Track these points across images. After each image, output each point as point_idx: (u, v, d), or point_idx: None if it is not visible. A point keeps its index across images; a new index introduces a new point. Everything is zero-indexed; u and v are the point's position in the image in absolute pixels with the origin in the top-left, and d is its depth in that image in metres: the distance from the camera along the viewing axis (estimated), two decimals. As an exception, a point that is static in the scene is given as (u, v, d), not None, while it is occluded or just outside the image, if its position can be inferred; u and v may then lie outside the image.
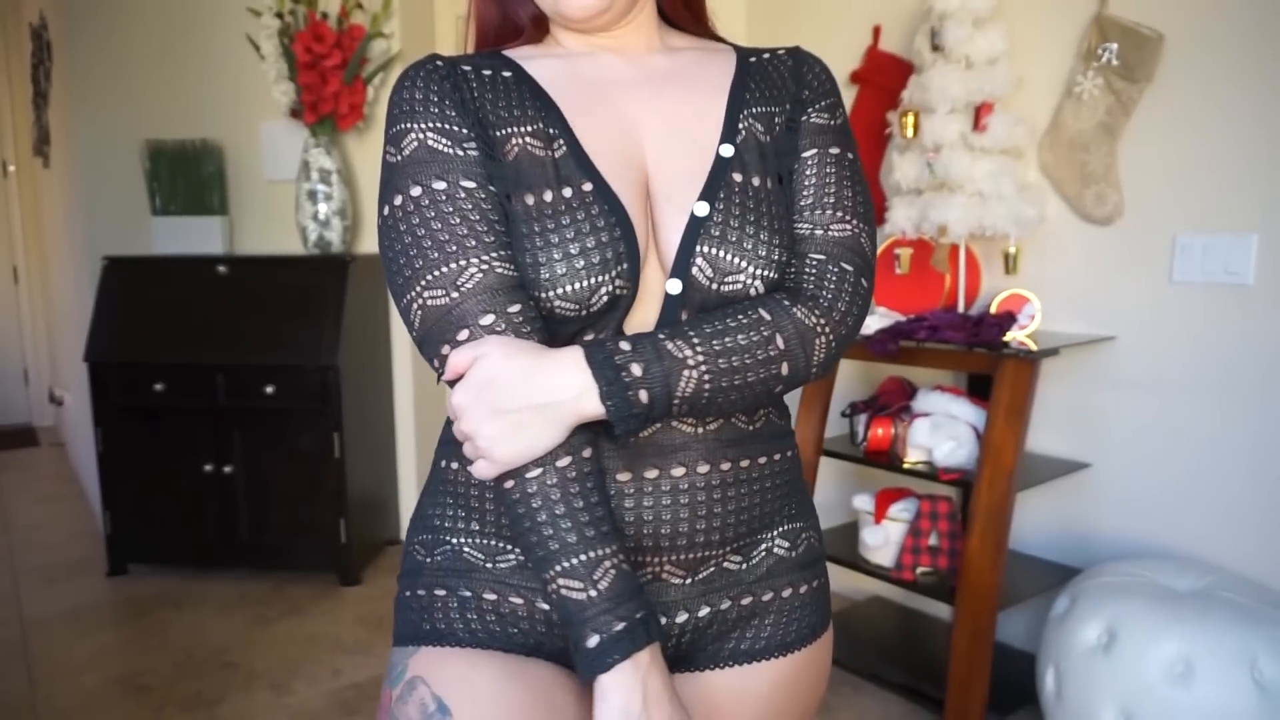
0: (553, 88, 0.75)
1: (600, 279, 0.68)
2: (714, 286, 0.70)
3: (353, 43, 2.92)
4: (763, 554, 0.77)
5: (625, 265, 0.68)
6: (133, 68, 3.16)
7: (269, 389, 2.80)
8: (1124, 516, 2.11)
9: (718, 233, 0.70)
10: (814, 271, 0.70)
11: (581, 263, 0.67)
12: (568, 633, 0.65)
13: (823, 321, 0.68)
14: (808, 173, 0.74)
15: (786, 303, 0.68)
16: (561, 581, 0.65)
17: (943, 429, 2.05)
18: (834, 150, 0.75)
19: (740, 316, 0.67)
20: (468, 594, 0.75)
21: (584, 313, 0.69)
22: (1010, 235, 2.10)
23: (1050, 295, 2.19)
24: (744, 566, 0.76)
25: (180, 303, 2.90)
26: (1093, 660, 1.71)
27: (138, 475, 2.90)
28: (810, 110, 0.76)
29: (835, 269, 0.70)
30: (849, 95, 2.61)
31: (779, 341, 0.66)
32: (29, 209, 5.15)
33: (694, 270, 0.70)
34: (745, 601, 0.76)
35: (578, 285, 0.67)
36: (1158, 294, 2.03)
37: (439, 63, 0.74)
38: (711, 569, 0.74)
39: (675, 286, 0.70)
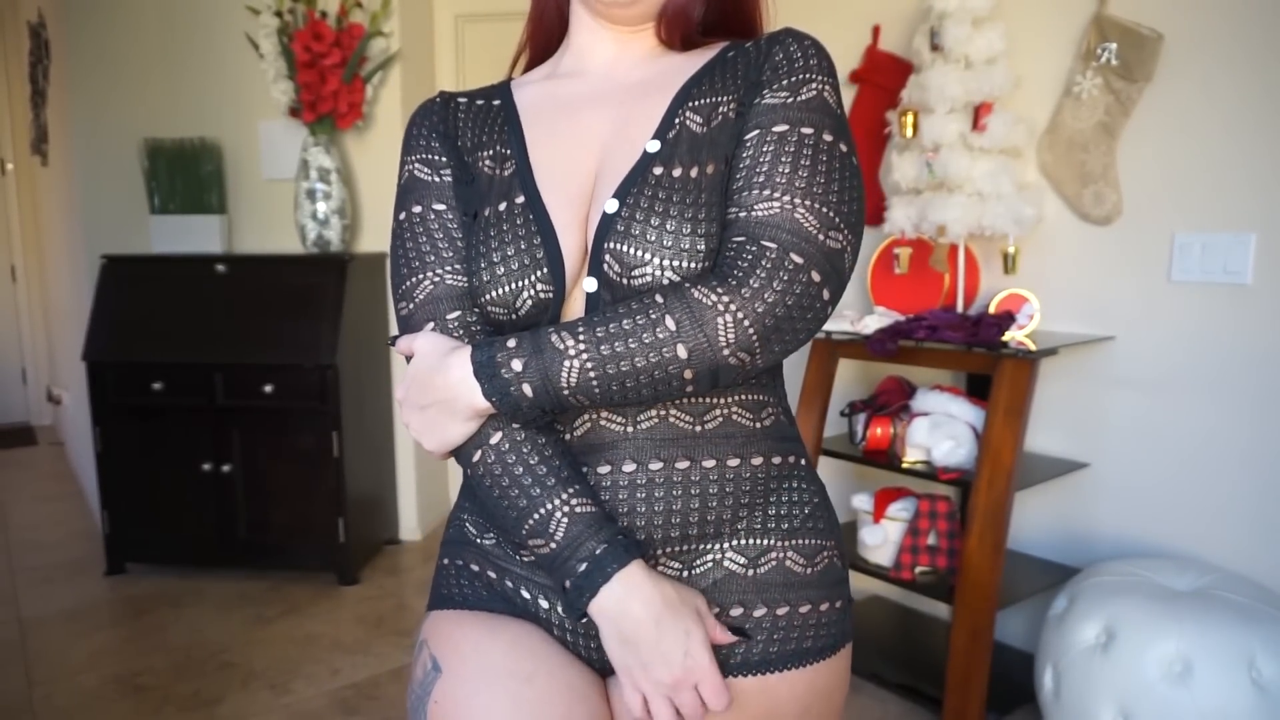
0: (528, 112, 0.82)
1: (521, 284, 0.73)
2: (624, 281, 0.70)
3: (352, 41, 2.92)
4: (709, 565, 0.73)
5: (545, 270, 0.73)
6: (131, 66, 3.16)
7: (268, 388, 2.80)
8: (1122, 516, 2.11)
9: (622, 228, 0.71)
10: (731, 253, 0.68)
11: (502, 269, 0.74)
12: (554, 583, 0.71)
13: (726, 299, 0.65)
14: (744, 155, 0.71)
15: (686, 285, 0.67)
16: (530, 543, 0.70)
17: (942, 428, 2.05)
18: (779, 128, 0.71)
19: (633, 304, 0.67)
20: (461, 563, 0.84)
21: (513, 316, 0.74)
22: (1009, 235, 2.10)
23: (1049, 295, 2.20)
24: (685, 575, 0.73)
25: (179, 302, 2.89)
26: (1091, 659, 1.71)
27: (136, 474, 2.90)
28: (766, 91, 0.73)
29: (753, 247, 0.67)
30: (848, 95, 2.60)
31: (669, 323, 0.65)
32: (27, 208, 5.14)
33: (605, 267, 0.71)
34: (735, 611, 0.73)
35: (502, 290, 0.74)
36: (1156, 293, 2.03)
37: (437, 100, 0.86)
38: (707, 564, 0.73)
39: (591, 285, 0.72)
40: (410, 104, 3.16)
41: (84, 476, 3.80)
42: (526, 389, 0.67)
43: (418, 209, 0.80)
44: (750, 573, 0.73)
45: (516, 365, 0.67)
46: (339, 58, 2.87)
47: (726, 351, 0.65)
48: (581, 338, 0.66)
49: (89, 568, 3.04)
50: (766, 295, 0.65)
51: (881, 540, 2.15)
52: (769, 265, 0.66)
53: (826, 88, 0.73)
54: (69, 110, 3.22)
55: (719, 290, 0.65)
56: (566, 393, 0.67)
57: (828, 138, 0.71)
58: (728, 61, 0.77)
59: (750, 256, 0.66)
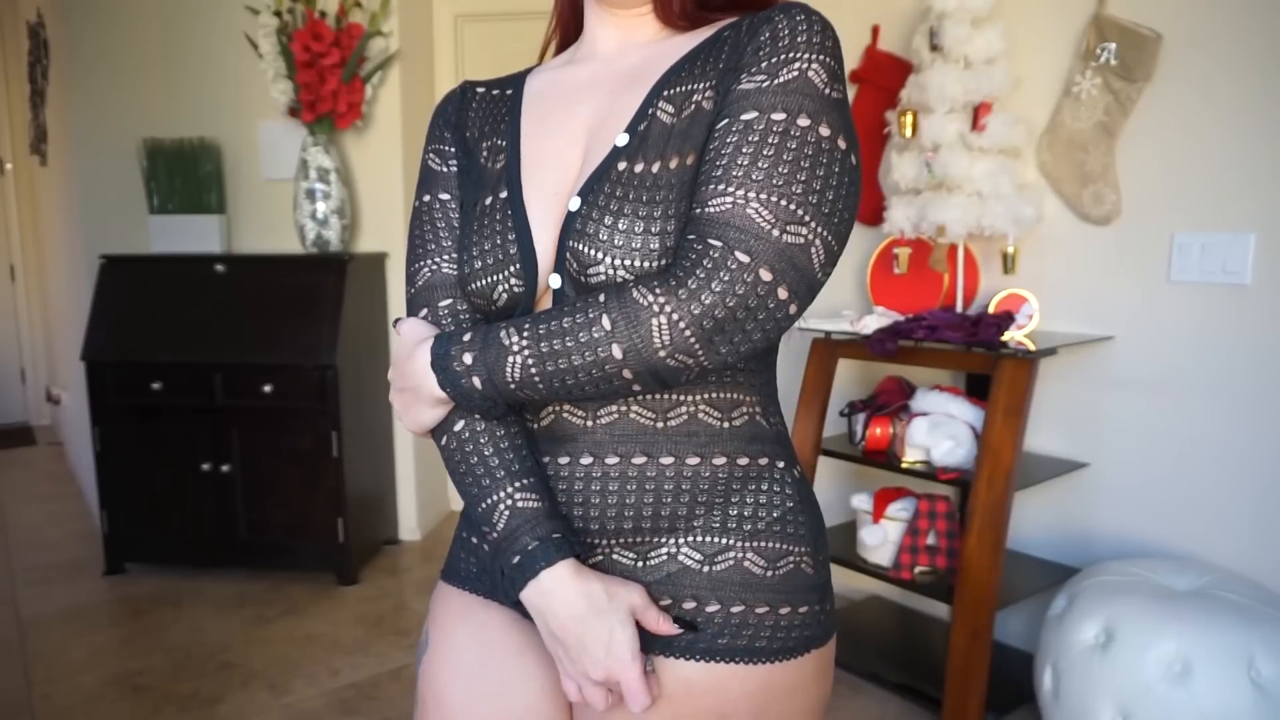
0: (530, 102, 0.82)
1: (496, 278, 0.75)
2: (582, 279, 0.70)
3: (351, 41, 2.91)
4: (664, 558, 0.73)
5: (518, 266, 0.74)
6: (130, 66, 3.16)
7: (267, 388, 2.79)
8: (1122, 516, 2.11)
9: (579, 225, 0.70)
10: (682, 252, 0.66)
11: (479, 263, 0.76)
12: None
13: (662, 300, 0.63)
14: (710, 147, 0.68)
15: (629, 285, 0.66)
16: (482, 528, 0.74)
17: (941, 428, 2.05)
18: (748, 116, 0.66)
19: (576, 302, 0.67)
20: (466, 534, 0.87)
21: (491, 308, 0.77)
22: (1008, 235, 2.10)
23: (1048, 295, 2.20)
24: (639, 565, 0.73)
25: (178, 302, 2.89)
26: (1090, 659, 1.71)
27: (135, 474, 2.90)
28: (744, 75, 0.68)
29: (699, 245, 0.64)
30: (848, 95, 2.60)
31: (604, 323, 0.64)
32: (26, 207, 5.14)
33: (566, 264, 0.71)
34: (688, 604, 0.73)
35: (481, 283, 0.76)
36: (1156, 293, 2.03)
37: (456, 91, 0.88)
38: (661, 557, 0.73)
39: (556, 281, 0.73)
40: (409, 104, 3.16)
41: (83, 476, 3.80)
42: (476, 382, 0.69)
43: (427, 198, 0.83)
44: (706, 569, 0.72)
45: (467, 359, 0.69)
46: (338, 57, 2.87)
47: (663, 353, 0.64)
48: (525, 335, 0.67)
49: (88, 567, 3.04)
50: (704, 296, 0.63)
51: (881, 540, 2.15)
52: (709, 265, 0.63)
53: (813, 66, 0.67)
54: (68, 110, 3.22)
55: (657, 291, 0.64)
56: (513, 387, 0.68)
57: (803, 122, 0.66)
58: (720, 42, 0.73)
59: (694, 255, 0.64)
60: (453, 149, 0.84)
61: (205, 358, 2.81)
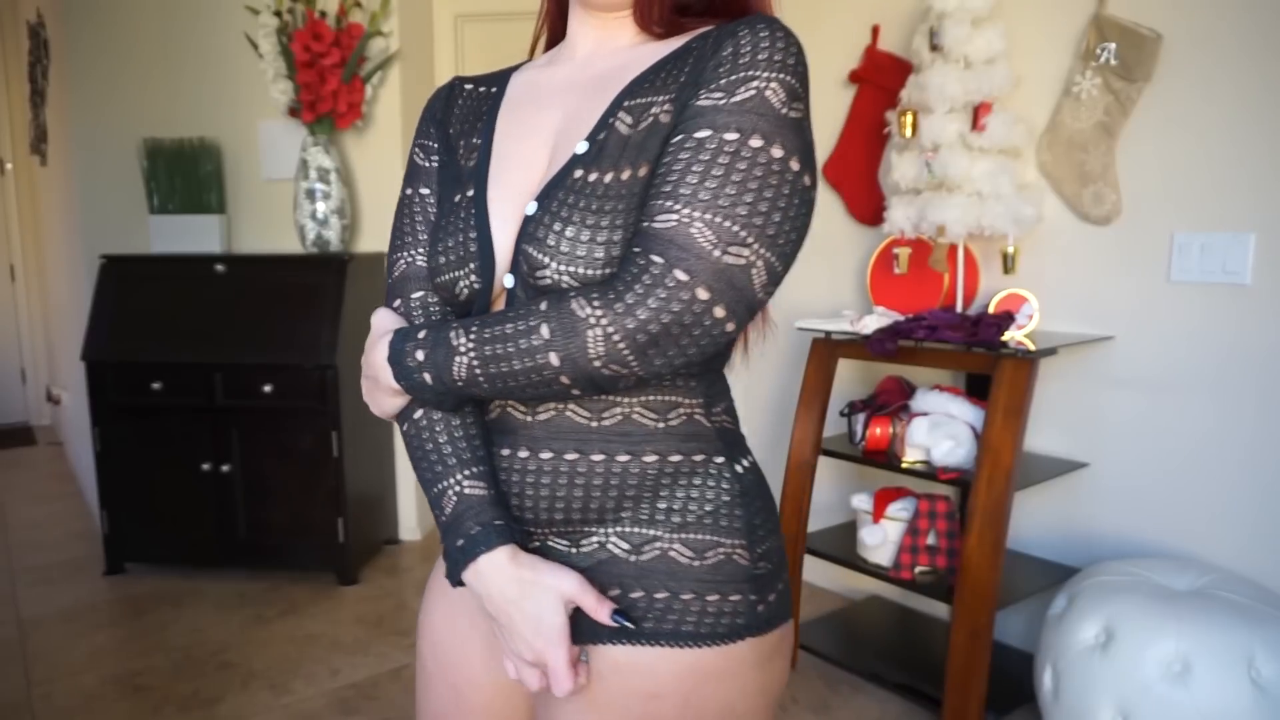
0: (509, 101, 0.85)
1: (458, 274, 0.78)
2: (532, 282, 0.73)
3: (351, 41, 2.92)
4: (594, 546, 0.77)
5: (477, 264, 0.77)
6: (130, 66, 3.16)
7: (267, 388, 2.80)
8: (1122, 516, 2.11)
9: (532, 229, 0.73)
10: (625, 264, 0.68)
11: (444, 259, 0.79)
12: None
13: (599, 313, 0.66)
14: (663, 161, 0.69)
15: (570, 294, 0.68)
16: (434, 511, 0.77)
17: (941, 428, 2.05)
18: (701, 134, 0.67)
19: (520, 308, 0.70)
20: None
21: (455, 301, 0.80)
22: (1008, 235, 2.10)
23: (1048, 295, 2.20)
24: (572, 552, 0.78)
25: (178, 302, 2.89)
26: (1090, 659, 1.71)
27: (135, 474, 2.90)
28: (702, 91, 0.69)
29: (642, 260, 0.66)
30: (848, 95, 2.61)
31: (543, 331, 0.67)
32: (26, 207, 5.14)
33: (519, 266, 0.74)
34: (614, 591, 0.76)
35: (445, 277, 0.79)
36: (1155, 293, 2.03)
37: (444, 87, 0.90)
38: (592, 546, 0.77)
39: (510, 281, 0.76)
40: (409, 104, 3.16)
41: (83, 476, 3.80)
42: (426, 377, 0.73)
43: (409, 191, 0.86)
44: (633, 558, 0.76)
45: (419, 356, 0.73)
46: (338, 57, 2.87)
47: (598, 363, 0.67)
48: (472, 336, 0.70)
49: (88, 567, 3.04)
50: (639, 311, 0.65)
51: (881, 540, 2.15)
52: (649, 280, 0.65)
53: (771, 85, 0.68)
54: (68, 110, 3.22)
55: (595, 303, 0.66)
56: (460, 385, 0.72)
57: (755, 143, 0.67)
58: (686, 54, 0.74)
59: (635, 270, 0.66)
60: (436, 144, 0.86)
61: (205, 358, 2.81)
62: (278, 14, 2.88)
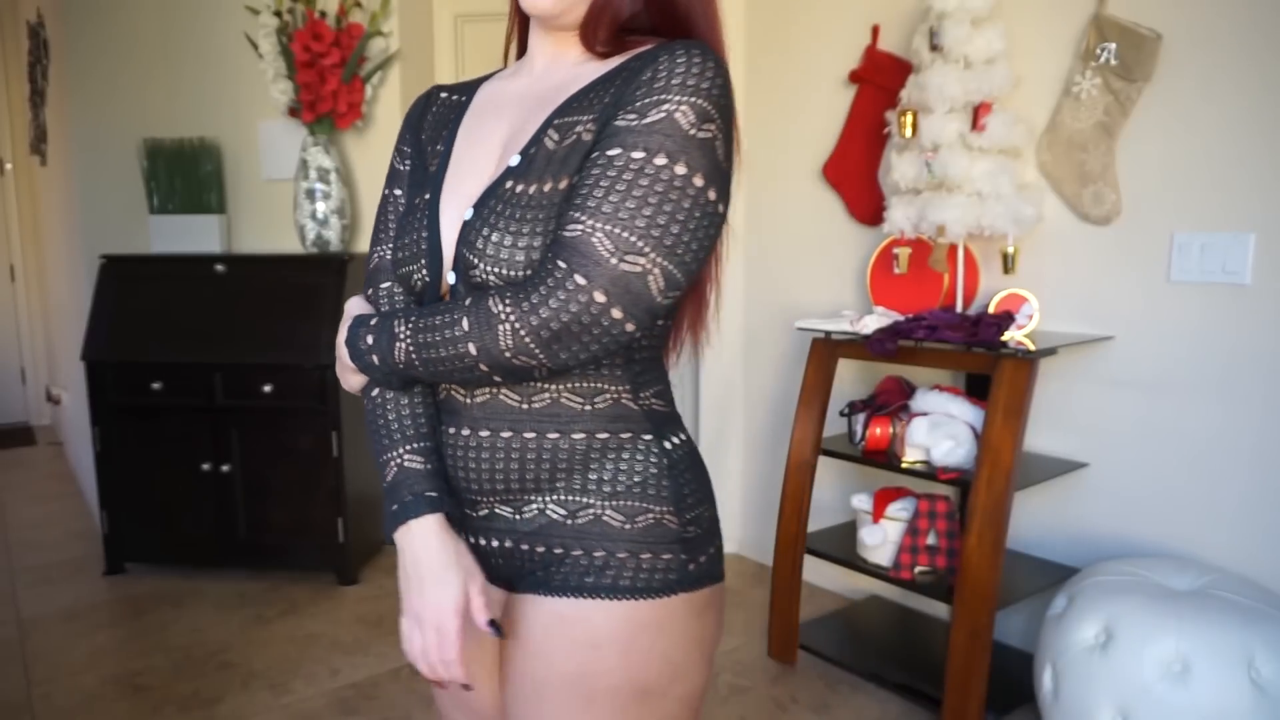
0: (473, 109, 0.92)
1: (411, 269, 0.86)
2: (468, 279, 0.81)
3: (351, 41, 2.92)
4: (535, 512, 0.85)
5: (425, 261, 0.85)
6: (130, 66, 3.16)
7: (267, 388, 2.80)
8: (1121, 516, 2.11)
9: (467, 233, 0.81)
10: (538, 268, 0.76)
11: (401, 254, 0.88)
12: None
13: (509, 310, 0.74)
14: (579, 176, 0.77)
15: (490, 293, 0.76)
16: (380, 476, 0.87)
17: (941, 428, 2.06)
18: (612, 152, 0.75)
19: (451, 304, 0.78)
20: None
21: (411, 293, 0.88)
22: (1008, 235, 2.10)
23: (1048, 295, 2.20)
24: (516, 517, 0.86)
25: (178, 302, 2.89)
26: (1090, 659, 1.72)
27: (135, 474, 2.90)
28: (621, 112, 0.76)
29: (550, 265, 0.74)
30: (848, 95, 2.61)
31: (464, 324, 0.76)
32: (26, 207, 5.14)
33: (458, 264, 0.82)
34: (557, 550, 0.85)
35: (403, 271, 0.87)
36: (1155, 293, 2.03)
37: (423, 95, 0.98)
38: (533, 512, 0.86)
39: (452, 278, 0.83)
40: (409, 104, 3.15)
41: (83, 476, 3.80)
42: (374, 359, 0.83)
43: (387, 192, 0.95)
44: (569, 522, 0.84)
45: (369, 340, 0.83)
46: (338, 57, 2.87)
47: (508, 354, 0.75)
48: (410, 326, 0.80)
49: (88, 567, 3.04)
50: (541, 310, 0.73)
51: (881, 540, 2.15)
52: (552, 283, 0.73)
53: (682, 108, 0.75)
54: (68, 110, 3.22)
55: (507, 301, 0.75)
56: (401, 368, 0.81)
57: (660, 161, 0.74)
58: (618, 74, 0.80)
59: (544, 274, 0.74)
60: (410, 149, 0.94)
61: (205, 358, 2.81)
62: (278, 14, 2.88)
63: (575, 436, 0.83)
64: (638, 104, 0.75)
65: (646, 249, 0.73)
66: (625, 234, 0.73)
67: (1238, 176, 1.89)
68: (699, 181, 0.75)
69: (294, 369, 2.79)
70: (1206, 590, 1.74)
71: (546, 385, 0.82)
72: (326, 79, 2.88)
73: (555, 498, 0.84)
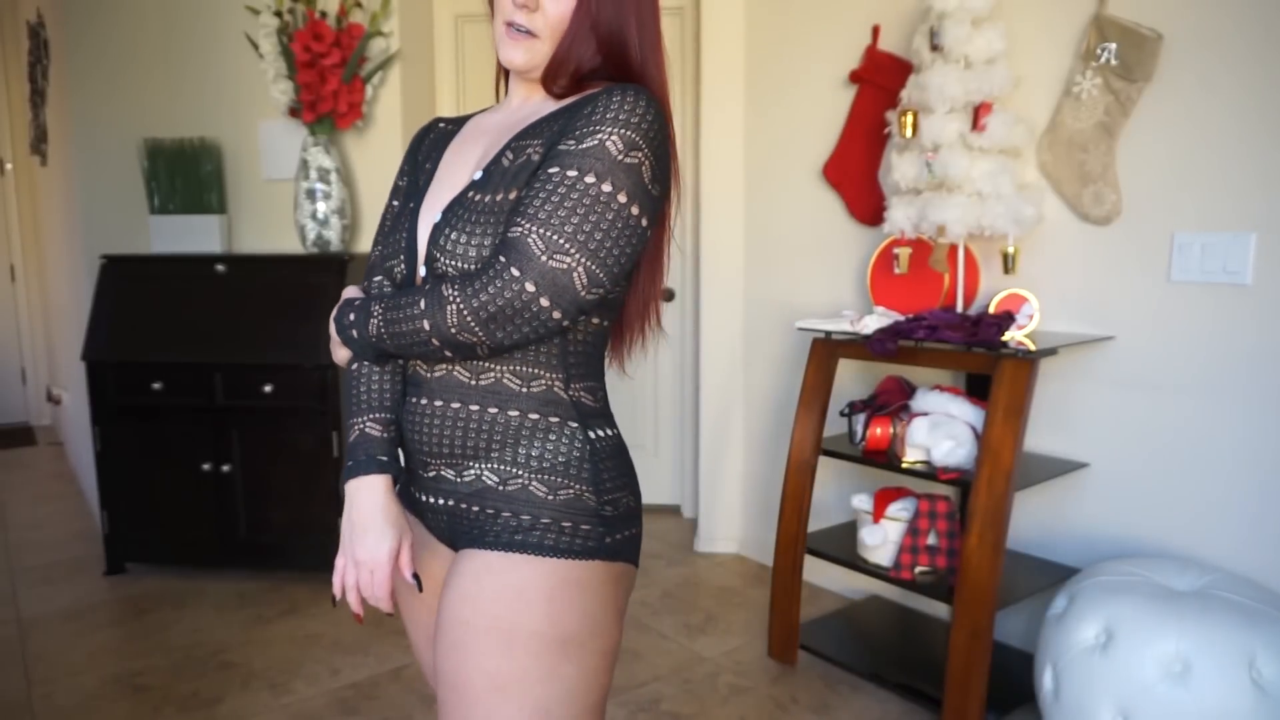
0: (460, 137, 1.09)
1: (393, 264, 1.03)
2: (434, 270, 0.95)
3: (351, 41, 2.91)
4: (473, 477, 0.98)
5: (404, 256, 1.01)
6: (131, 66, 3.16)
7: (267, 388, 2.80)
8: (1122, 516, 2.11)
9: (436, 235, 0.96)
10: (486, 262, 0.91)
11: (386, 251, 1.05)
12: None
13: (455, 294, 0.89)
14: (525, 190, 0.92)
15: (445, 281, 0.91)
16: (346, 436, 1.04)
17: (941, 428, 2.05)
18: (551, 169, 0.90)
19: (416, 289, 0.93)
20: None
21: (395, 284, 1.03)
22: (1009, 235, 2.10)
23: (1048, 295, 2.20)
24: (458, 480, 0.99)
25: (178, 302, 2.89)
26: (1090, 659, 1.71)
27: (136, 474, 2.90)
28: (564, 138, 0.92)
29: (494, 260, 0.89)
30: (848, 95, 2.61)
31: (421, 305, 0.91)
32: (26, 207, 5.14)
33: (428, 260, 0.97)
34: (490, 511, 0.97)
35: (387, 265, 1.04)
36: (1156, 293, 2.03)
37: (425, 126, 1.16)
38: (471, 476, 0.98)
39: (423, 271, 0.99)
40: (410, 104, 3.16)
41: (83, 476, 3.80)
42: (354, 333, 0.98)
43: (389, 202, 1.12)
44: (501, 488, 0.97)
45: (351, 317, 0.98)
46: (339, 58, 2.87)
47: (454, 330, 0.89)
48: (382, 306, 0.94)
49: (89, 567, 3.04)
50: (481, 295, 0.88)
51: (881, 540, 2.15)
52: (492, 274, 0.88)
53: (612, 137, 0.90)
54: (68, 110, 3.22)
55: (455, 287, 0.89)
56: (374, 341, 0.96)
57: (589, 179, 0.89)
58: (570, 110, 0.95)
59: (488, 266, 0.89)
60: (408, 168, 1.12)
61: (205, 358, 2.81)
62: (278, 14, 2.88)
63: (511, 414, 0.97)
64: (577, 132, 0.91)
65: (572, 250, 0.88)
66: (555, 236, 0.87)
67: (1238, 176, 1.89)
68: (623, 198, 0.90)
69: (294, 369, 2.79)
70: (1207, 590, 1.74)
71: (492, 366, 0.96)
72: (327, 79, 2.88)
73: (490, 466, 0.98)
